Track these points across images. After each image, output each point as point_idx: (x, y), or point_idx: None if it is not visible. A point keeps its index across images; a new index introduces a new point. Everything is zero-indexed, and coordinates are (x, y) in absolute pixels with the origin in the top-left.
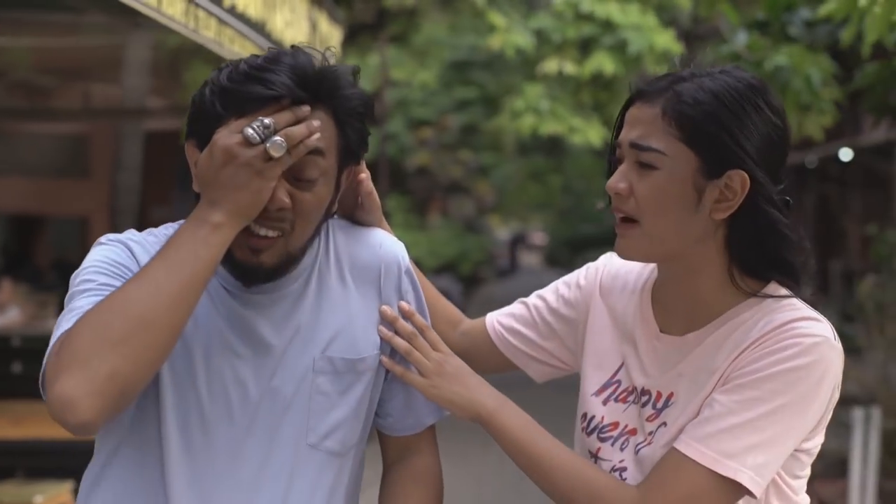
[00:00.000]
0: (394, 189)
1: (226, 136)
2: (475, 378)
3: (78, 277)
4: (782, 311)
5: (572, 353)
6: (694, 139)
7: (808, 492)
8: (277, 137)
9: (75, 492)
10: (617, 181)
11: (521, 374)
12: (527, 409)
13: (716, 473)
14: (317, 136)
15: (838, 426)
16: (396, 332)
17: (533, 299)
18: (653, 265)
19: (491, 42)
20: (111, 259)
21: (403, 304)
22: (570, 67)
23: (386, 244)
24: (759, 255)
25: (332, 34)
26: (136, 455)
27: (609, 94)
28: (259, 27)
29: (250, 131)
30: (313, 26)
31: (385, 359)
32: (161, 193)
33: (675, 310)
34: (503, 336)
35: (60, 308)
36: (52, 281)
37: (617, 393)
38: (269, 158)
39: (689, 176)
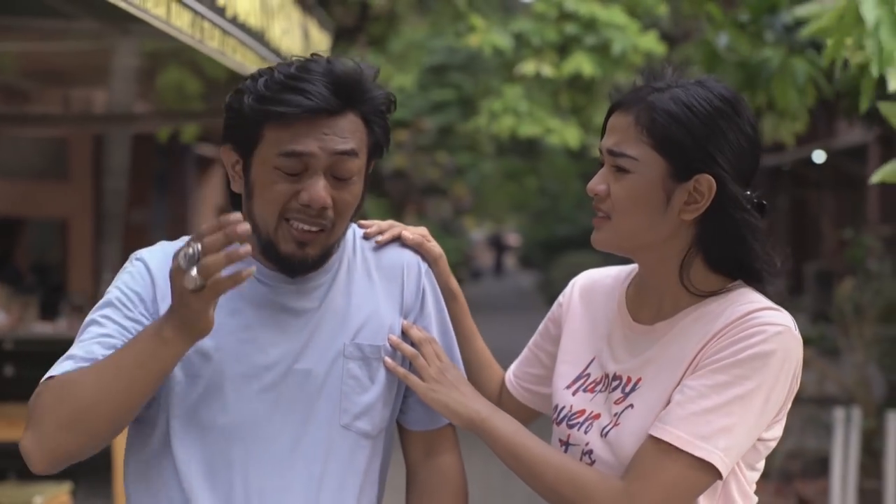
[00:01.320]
0: (371, 192)
1: (173, 258)
2: (471, 388)
3: (100, 306)
4: (745, 302)
5: None
6: (663, 146)
7: (789, 491)
8: (193, 271)
9: (73, 493)
10: (596, 183)
11: None
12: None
13: (692, 456)
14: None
15: (819, 426)
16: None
17: (534, 337)
18: (629, 270)
19: (470, 41)
20: (130, 293)
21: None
22: (548, 70)
23: (407, 249)
24: (724, 254)
25: (321, 41)
26: (182, 434)
27: (587, 96)
28: (259, 36)
29: (180, 259)
30: (305, 34)
31: (388, 360)
32: (140, 195)
33: (647, 301)
34: (519, 387)
35: (42, 311)
36: (31, 283)
37: (586, 384)
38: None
39: (658, 179)
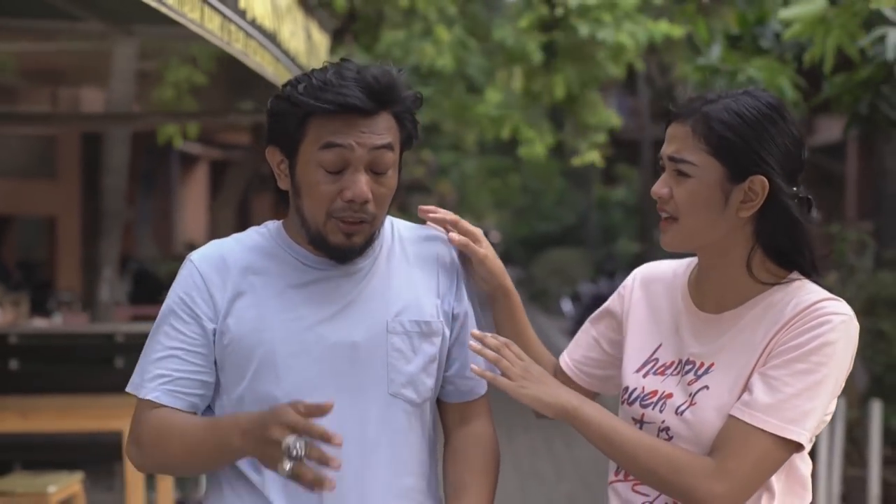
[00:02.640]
0: None
1: (280, 430)
2: (555, 381)
3: (162, 321)
4: (808, 292)
5: None
6: (719, 152)
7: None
8: (288, 465)
9: (84, 483)
10: (660, 187)
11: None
12: (509, 399)
13: (781, 438)
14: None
15: None
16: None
17: (591, 324)
18: (687, 262)
19: (429, 54)
20: (186, 298)
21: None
22: (518, 81)
23: (440, 236)
24: (781, 247)
25: (321, 42)
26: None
27: (571, 104)
28: (273, 38)
29: (286, 448)
30: (308, 35)
31: (475, 367)
32: (127, 193)
33: (709, 292)
34: (578, 371)
35: (33, 308)
36: (18, 280)
37: (656, 368)
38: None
39: (716, 182)
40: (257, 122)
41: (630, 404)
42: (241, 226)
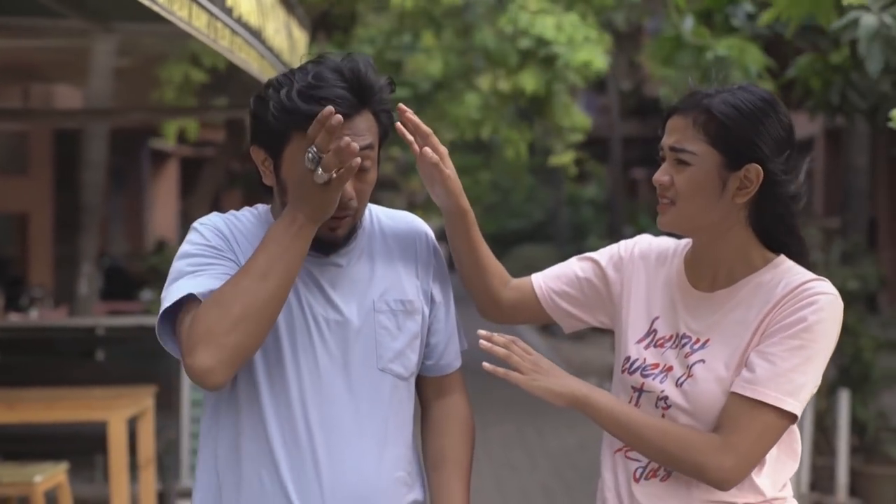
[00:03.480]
0: None
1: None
2: (563, 372)
3: (182, 259)
4: (796, 273)
5: (610, 312)
6: (717, 142)
7: None
8: (319, 170)
9: (69, 473)
10: (661, 175)
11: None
12: (481, 390)
13: (779, 410)
14: (358, 151)
15: None
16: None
17: (578, 263)
18: (684, 242)
19: (415, 64)
20: (207, 242)
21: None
22: (504, 84)
23: (417, 221)
24: (772, 231)
25: (301, 38)
26: (242, 386)
27: (542, 104)
28: (258, 35)
29: (306, 162)
30: (289, 33)
31: (487, 364)
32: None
33: (703, 272)
34: (549, 297)
35: (6, 304)
36: None
37: (655, 340)
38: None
39: (714, 170)
40: (232, 118)
41: (631, 373)
42: None
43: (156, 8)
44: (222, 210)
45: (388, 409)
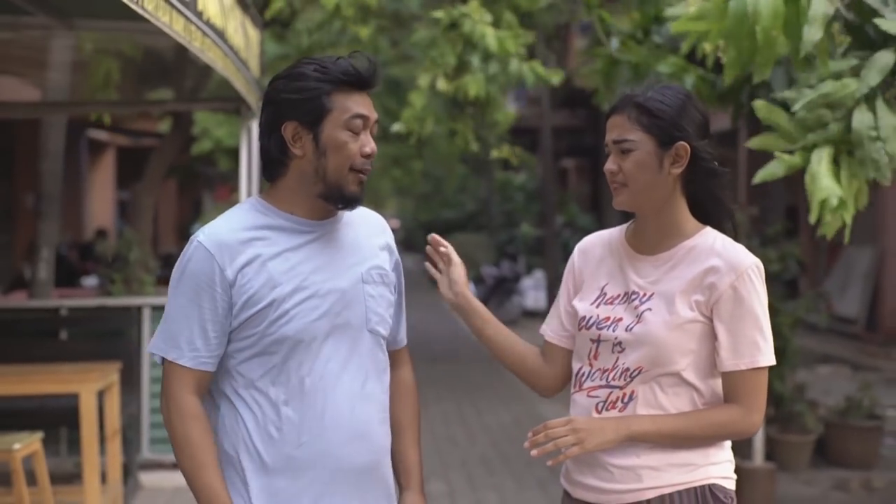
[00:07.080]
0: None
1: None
2: (599, 420)
3: (177, 284)
4: (720, 239)
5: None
6: (650, 129)
7: None
8: None
9: (43, 441)
10: (610, 164)
11: (445, 348)
12: (423, 371)
13: (765, 367)
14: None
15: None
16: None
17: (558, 301)
18: (619, 228)
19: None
20: (197, 274)
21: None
22: (442, 84)
23: (375, 214)
24: (702, 203)
25: (254, 37)
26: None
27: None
28: (222, 35)
29: None
30: (245, 31)
31: (534, 450)
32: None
33: (647, 239)
34: (559, 337)
35: None
36: None
37: (605, 299)
38: None
39: (652, 151)
40: (174, 110)
41: (588, 329)
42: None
43: (141, 12)
44: (159, 199)
45: (378, 365)
